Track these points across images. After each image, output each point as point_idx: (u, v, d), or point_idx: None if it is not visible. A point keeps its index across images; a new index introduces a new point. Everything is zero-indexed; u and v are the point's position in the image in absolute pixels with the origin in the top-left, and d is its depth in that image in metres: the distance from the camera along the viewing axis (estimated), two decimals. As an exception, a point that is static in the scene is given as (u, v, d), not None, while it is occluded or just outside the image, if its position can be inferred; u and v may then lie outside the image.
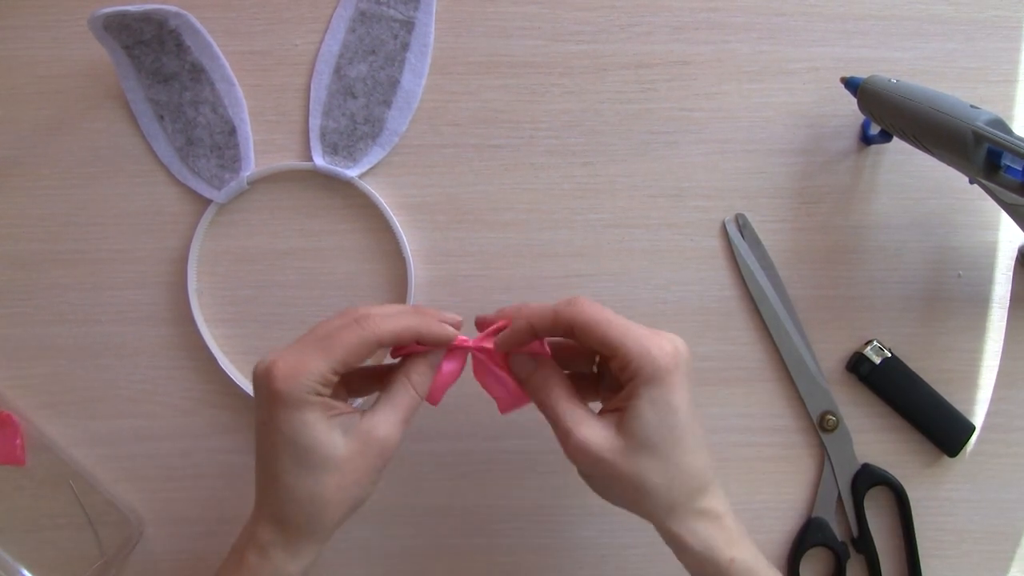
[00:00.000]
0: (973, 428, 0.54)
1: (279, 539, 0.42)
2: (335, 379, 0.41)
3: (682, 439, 0.41)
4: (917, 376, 0.53)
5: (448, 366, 0.45)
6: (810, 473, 0.54)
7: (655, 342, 0.41)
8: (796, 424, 0.54)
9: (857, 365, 0.53)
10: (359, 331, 0.41)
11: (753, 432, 0.54)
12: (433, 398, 0.45)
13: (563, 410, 0.42)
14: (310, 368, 0.41)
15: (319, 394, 0.41)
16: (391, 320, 0.42)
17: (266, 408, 0.41)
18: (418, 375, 0.44)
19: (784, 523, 0.54)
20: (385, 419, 0.42)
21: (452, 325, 0.44)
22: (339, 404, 0.42)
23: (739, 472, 0.54)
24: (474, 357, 0.45)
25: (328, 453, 0.41)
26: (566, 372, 0.44)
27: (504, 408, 0.46)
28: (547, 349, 0.44)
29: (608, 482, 0.42)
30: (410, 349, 0.44)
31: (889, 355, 0.53)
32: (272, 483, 0.41)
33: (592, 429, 0.41)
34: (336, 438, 0.41)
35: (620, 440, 0.41)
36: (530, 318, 0.43)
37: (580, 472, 0.44)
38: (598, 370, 0.47)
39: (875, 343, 0.53)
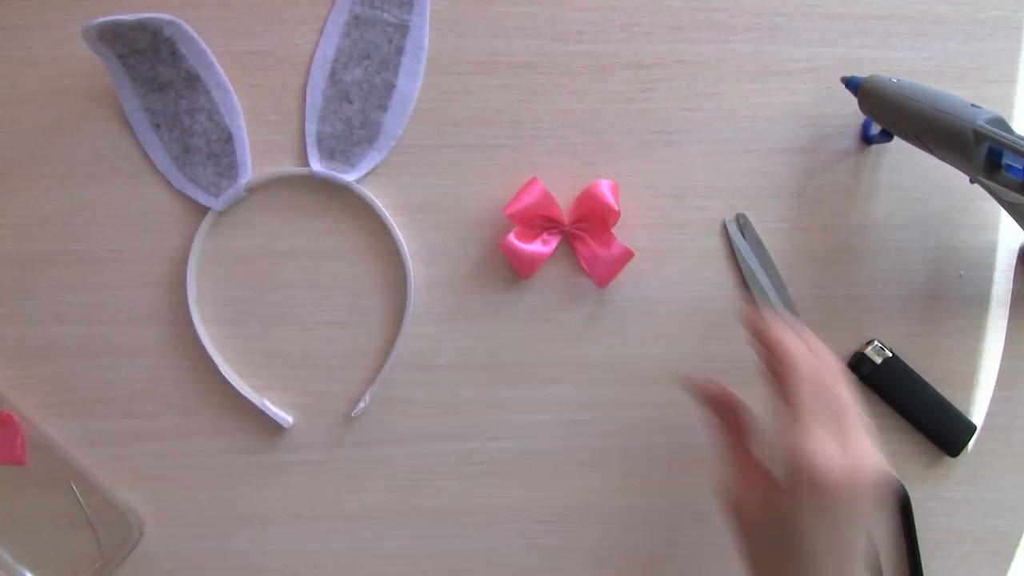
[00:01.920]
0: (974, 428, 0.53)
1: None
2: None
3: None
4: (918, 376, 0.53)
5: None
6: (811, 473, 0.54)
7: (812, 445, 0.38)
8: (797, 424, 0.54)
9: (858, 365, 0.53)
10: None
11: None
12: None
13: (729, 459, 0.45)
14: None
15: None
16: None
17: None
18: None
19: (785, 523, 0.54)
20: None
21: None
22: None
23: (740, 472, 0.54)
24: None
25: None
26: None
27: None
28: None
29: (743, 540, 0.43)
30: None
31: (890, 355, 0.53)
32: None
33: (745, 492, 0.42)
34: None
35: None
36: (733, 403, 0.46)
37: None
38: None
39: (876, 343, 0.53)
